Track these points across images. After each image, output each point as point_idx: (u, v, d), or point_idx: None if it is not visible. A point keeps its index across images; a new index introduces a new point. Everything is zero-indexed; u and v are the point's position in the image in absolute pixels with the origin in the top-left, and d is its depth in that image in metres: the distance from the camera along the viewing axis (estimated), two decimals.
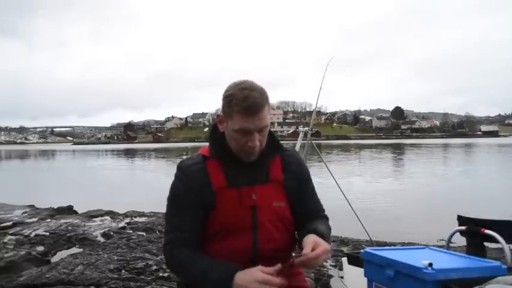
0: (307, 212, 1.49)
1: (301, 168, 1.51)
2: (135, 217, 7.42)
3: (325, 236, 1.35)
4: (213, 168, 1.39)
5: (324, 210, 1.55)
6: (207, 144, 1.50)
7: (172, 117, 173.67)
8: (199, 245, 1.37)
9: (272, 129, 1.49)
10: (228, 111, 1.33)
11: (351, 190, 9.49)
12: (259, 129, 1.32)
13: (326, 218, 1.54)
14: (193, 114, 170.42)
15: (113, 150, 66.87)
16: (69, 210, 8.30)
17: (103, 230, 6.17)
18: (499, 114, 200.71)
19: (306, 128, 4.30)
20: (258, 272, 1.20)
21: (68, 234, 5.85)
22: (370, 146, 56.61)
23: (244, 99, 1.28)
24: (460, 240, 2.76)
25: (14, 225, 6.54)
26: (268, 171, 1.43)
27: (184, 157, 1.51)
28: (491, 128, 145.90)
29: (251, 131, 1.31)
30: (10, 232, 5.93)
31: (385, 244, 5.19)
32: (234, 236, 1.35)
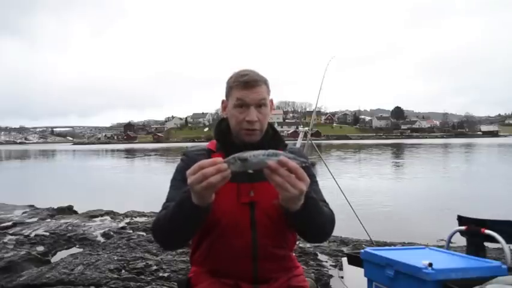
0: None
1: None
2: (135, 217, 7.41)
3: (316, 200, 1.28)
4: None
5: (326, 203, 1.47)
6: (207, 143, 1.51)
7: (172, 117, 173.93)
8: None
9: None
10: (228, 90, 1.42)
11: (351, 190, 9.47)
12: (256, 104, 1.36)
13: (329, 209, 1.45)
14: (193, 114, 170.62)
15: (113, 150, 66.87)
16: (69, 210, 8.27)
17: (103, 230, 6.16)
18: (499, 114, 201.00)
19: (306, 128, 4.31)
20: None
21: (68, 234, 5.84)
22: (370, 146, 56.57)
23: (242, 76, 1.38)
24: (460, 240, 2.76)
25: (14, 225, 6.52)
26: None
27: None
28: (491, 128, 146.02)
29: (248, 104, 1.36)
30: (10, 232, 5.92)
31: (385, 244, 5.18)
32: (234, 233, 1.35)
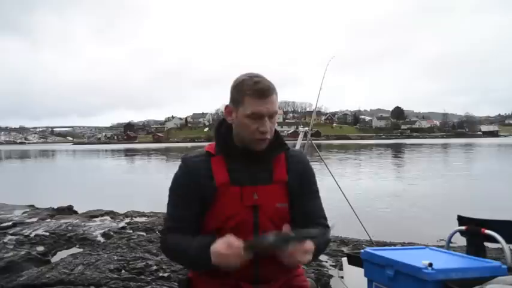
0: (306, 214, 1.45)
1: (307, 170, 1.49)
2: (135, 217, 7.40)
3: (314, 238, 1.30)
4: (217, 164, 1.39)
5: (325, 218, 1.49)
6: (207, 144, 1.51)
7: (173, 117, 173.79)
8: (194, 233, 1.39)
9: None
10: (239, 97, 1.35)
11: (351, 190, 9.46)
12: (270, 115, 1.34)
13: (325, 226, 1.47)
14: (193, 114, 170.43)
15: (113, 150, 66.83)
16: (69, 210, 8.27)
17: (103, 230, 6.16)
18: (499, 114, 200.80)
19: (306, 128, 4.29)
20: (229, 237, 1.26)
21: (68, 234, 5.84)
22: (370, 146, 56.57)
23: (255, 83, 1.32)
24: (460, 240, 2.76)
25: (14, 225, 6.52)
26: (273, 170, 1.42)
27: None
28: (491, 128, 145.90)
29: (263, 115, 1.33)
30: (10, 232, 5.92)
31: (385, 244, 5.18)
32: (236, 235, 1.33)
